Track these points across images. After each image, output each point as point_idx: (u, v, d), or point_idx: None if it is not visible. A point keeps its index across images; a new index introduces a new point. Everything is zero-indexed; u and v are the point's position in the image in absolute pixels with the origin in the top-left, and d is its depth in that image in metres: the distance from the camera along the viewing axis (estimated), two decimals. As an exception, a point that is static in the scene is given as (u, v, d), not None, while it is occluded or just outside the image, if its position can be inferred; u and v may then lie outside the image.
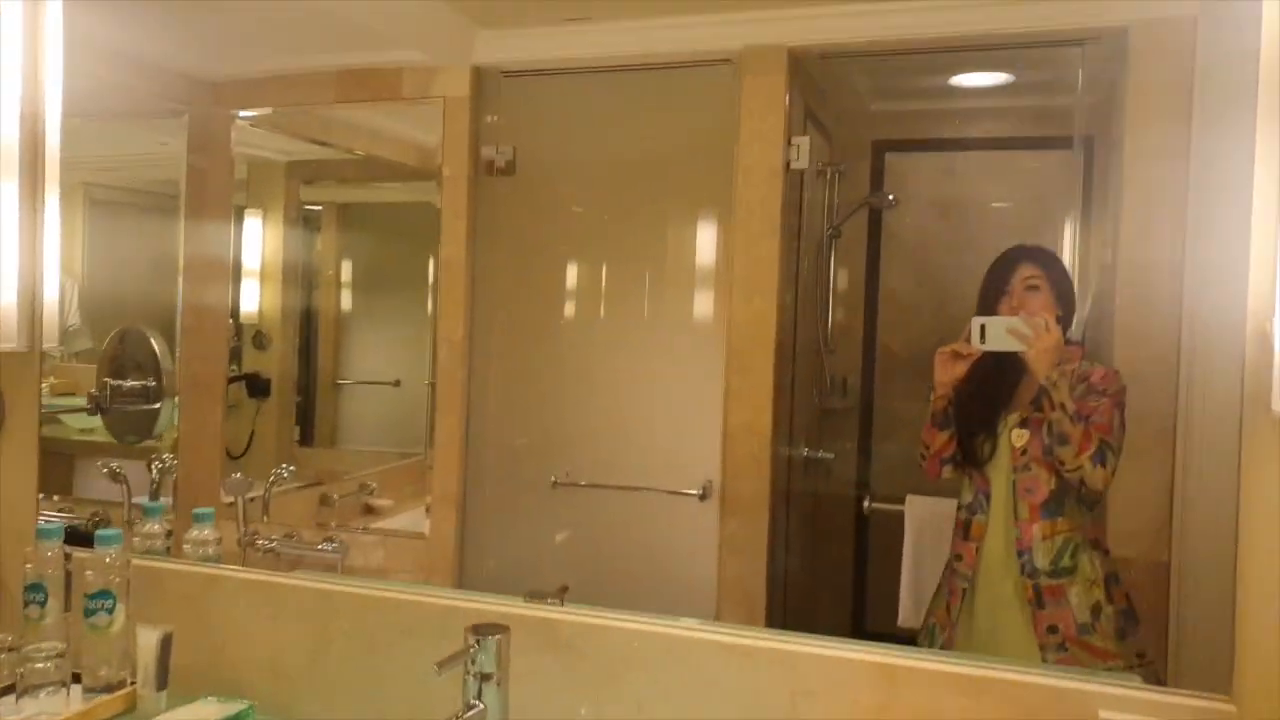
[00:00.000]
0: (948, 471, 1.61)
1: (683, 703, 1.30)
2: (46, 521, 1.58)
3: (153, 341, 2.16)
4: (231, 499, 2.12)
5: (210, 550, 1.68)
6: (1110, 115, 2.13)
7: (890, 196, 2.52)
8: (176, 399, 2.19)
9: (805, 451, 2.25)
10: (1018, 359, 1.54)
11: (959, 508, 1.61)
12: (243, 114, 2.35)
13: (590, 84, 2.19)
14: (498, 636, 1.21)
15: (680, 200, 2.16)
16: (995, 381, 1.57)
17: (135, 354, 2.15)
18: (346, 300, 2.54)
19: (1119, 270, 1.75)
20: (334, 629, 1.49)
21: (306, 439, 2.57)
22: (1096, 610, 1.50)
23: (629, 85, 2.17)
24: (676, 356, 2.15)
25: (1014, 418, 1.55)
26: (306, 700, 1.50)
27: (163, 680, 1.46)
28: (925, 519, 1.85)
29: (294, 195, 2.54)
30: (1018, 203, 2.65)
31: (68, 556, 1.48)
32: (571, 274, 2.28)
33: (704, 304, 2.13)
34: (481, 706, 1.20)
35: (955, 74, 2.37)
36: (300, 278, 2.53)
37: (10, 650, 1.46)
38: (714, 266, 2.10)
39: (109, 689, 1.46)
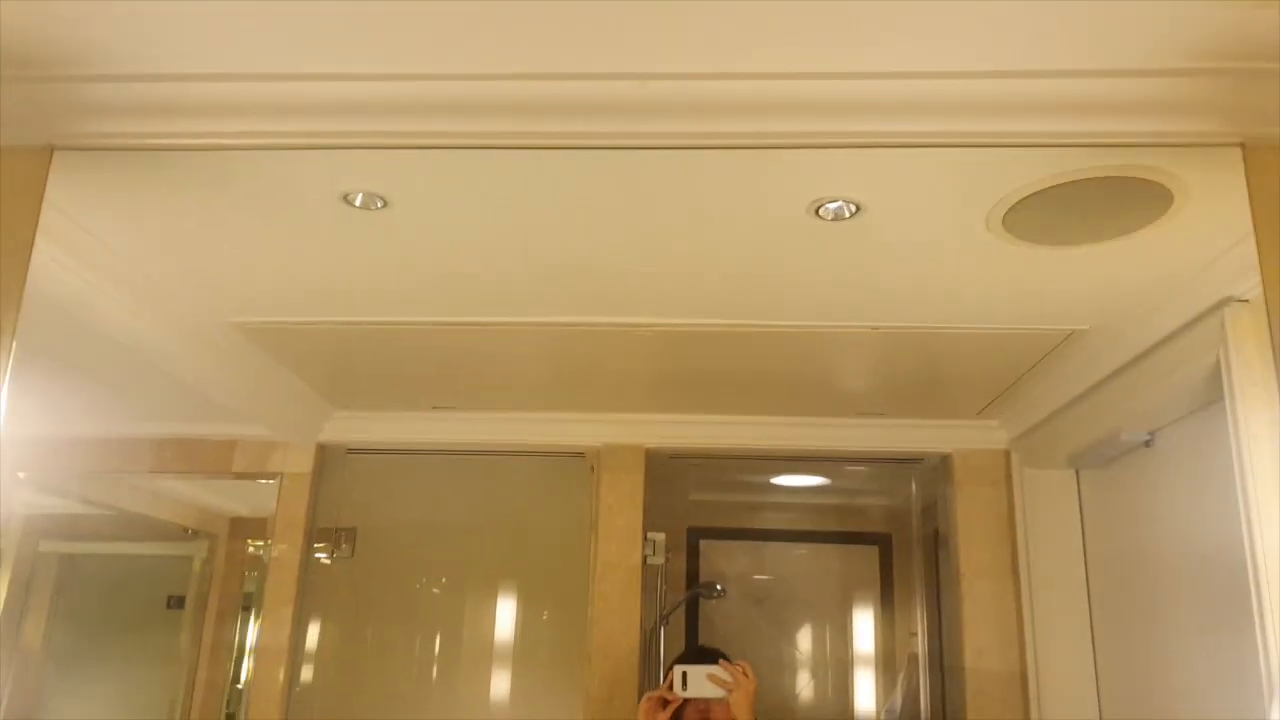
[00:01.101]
0: None
1: None
2: None
3: None
4: None
5: None
6: (906, 519, 2.39)
7: (719, 587, 2.60)
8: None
9: None
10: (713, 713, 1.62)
11: None
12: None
13: (436, 462, 2.16)
14: None
15: (531, 581, 2.11)
16: None
17: None
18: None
19: (967, 679, 1.86)
20: None
21: None
22: None
23: (477, 466, 2.16)
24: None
25: None
26: None
27: None
28: None
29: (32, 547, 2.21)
30: (822, 591, 2.82)
31: None
32: (407, 652, 2.10)
33: (556, 690, 2.01)
34: None
35: (776, 475, 2.59)
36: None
37: None
38: (567, 650, 2.02)
39: None
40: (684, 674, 1.58)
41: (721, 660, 1.63)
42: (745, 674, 1.57)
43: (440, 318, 1.48)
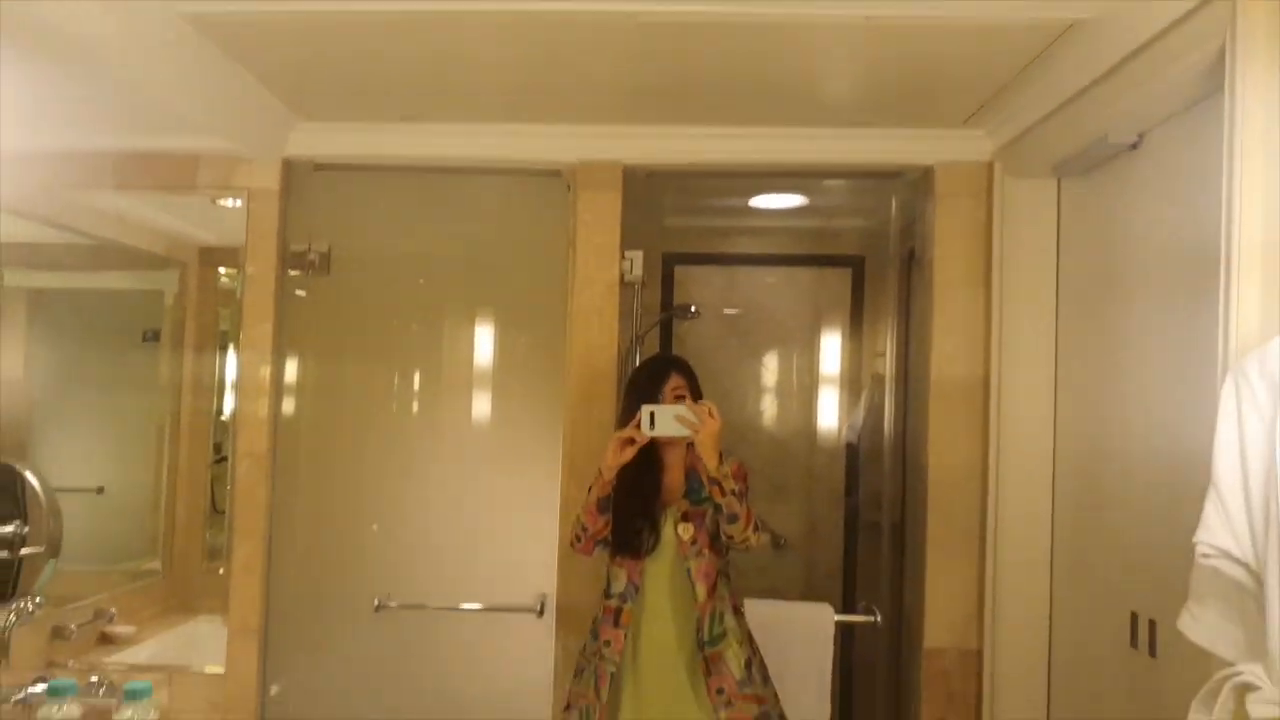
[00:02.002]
0: (598, 551, 1.71)
1: None
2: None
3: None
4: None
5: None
6: (883, 239, 2.40)
7: (693, 309, 2.64)
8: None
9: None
10: (667, 458, 1.71)
11: (607, 595, 1.70)
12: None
13: (408, 181, 2.11)
14: None
15: (508, 305, 2.11)
16: (651, 478, 1.70)
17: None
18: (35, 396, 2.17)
19: (932, 386, 1.94)
20: None
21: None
22: (748, 664, 1.67)
23: (451, 186, 2.11)
24: (506, 466, 2.08)
25: (673, 511, 1.68)
26: None
27: None
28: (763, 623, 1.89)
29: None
30: (794, 314, 2.89)
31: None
32: (388, 380, 2.14)
33: (535, 412, 2.08)
34: None
35: (753, 195, 2.56)
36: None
37: None
38: (546, 373, 2.07)
39: None
40: (651, 414, 1.60)
41: (686, 400, 1.65)
42: (711, 414, 1.59)
43: (405, 5, 1.39)
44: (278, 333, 2.03)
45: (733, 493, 1.60)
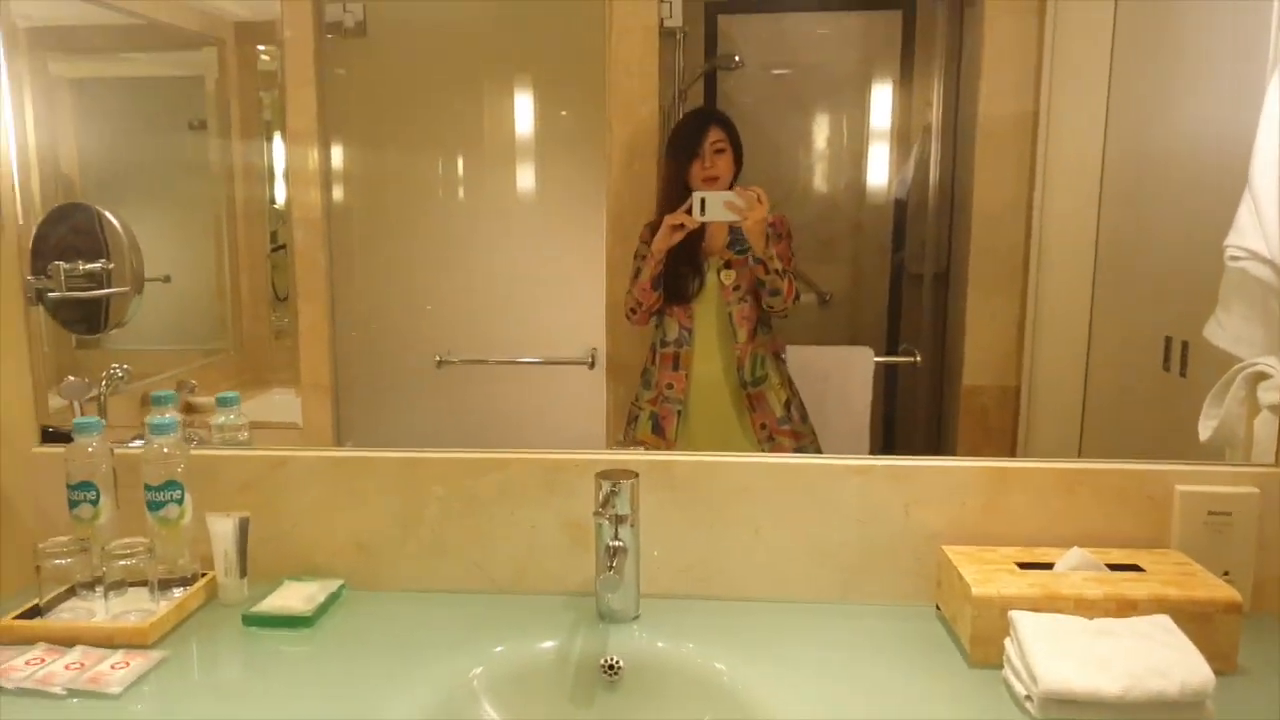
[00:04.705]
0: (653, 322, 1.84)
1: (796, 522, 1.51)
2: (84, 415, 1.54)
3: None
4: (67, 402, 1.89)
5: (243, 435, 1.60)
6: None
7: (736, 58, 2.56)
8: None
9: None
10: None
11: (663, 344, 1.83)
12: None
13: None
14: (631, 480, 1.28)
15: (548, 63, 2.08)
16: (695, 231, 1.78)
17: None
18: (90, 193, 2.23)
19: (980, 125, 1.89)
20: (425, 496, 1.59)
21: (81, 342, 2.31)
22: (788, 405, 1.82)
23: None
24: (555, 227, 2.12)
25: (716, 260, 1.77)
26: (402, 570, 1.59)
27: (243, 567, 1.44)
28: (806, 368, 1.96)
29: (41, 68, 2.18)
30: (842, 64, 2.77)
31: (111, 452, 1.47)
32: (436, 143, 2.15)
33: (578, 177, 2.09)
34: (624, 545, 1.26)
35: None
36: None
37: (82, 552, 1.42)
38: (588, 138, 2.06)
39: (186, 581, 1.48)
40: (702, 200, 1.68)
41: (736, 187, 1.67)
42: (760, 199, 1.64)
43: None
44: (320, 98, 2.03)
45: (777, 271, 1.67)
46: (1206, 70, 1.41)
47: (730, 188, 1.74)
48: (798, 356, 1.90)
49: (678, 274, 1.78)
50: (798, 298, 1.77)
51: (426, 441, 2.23)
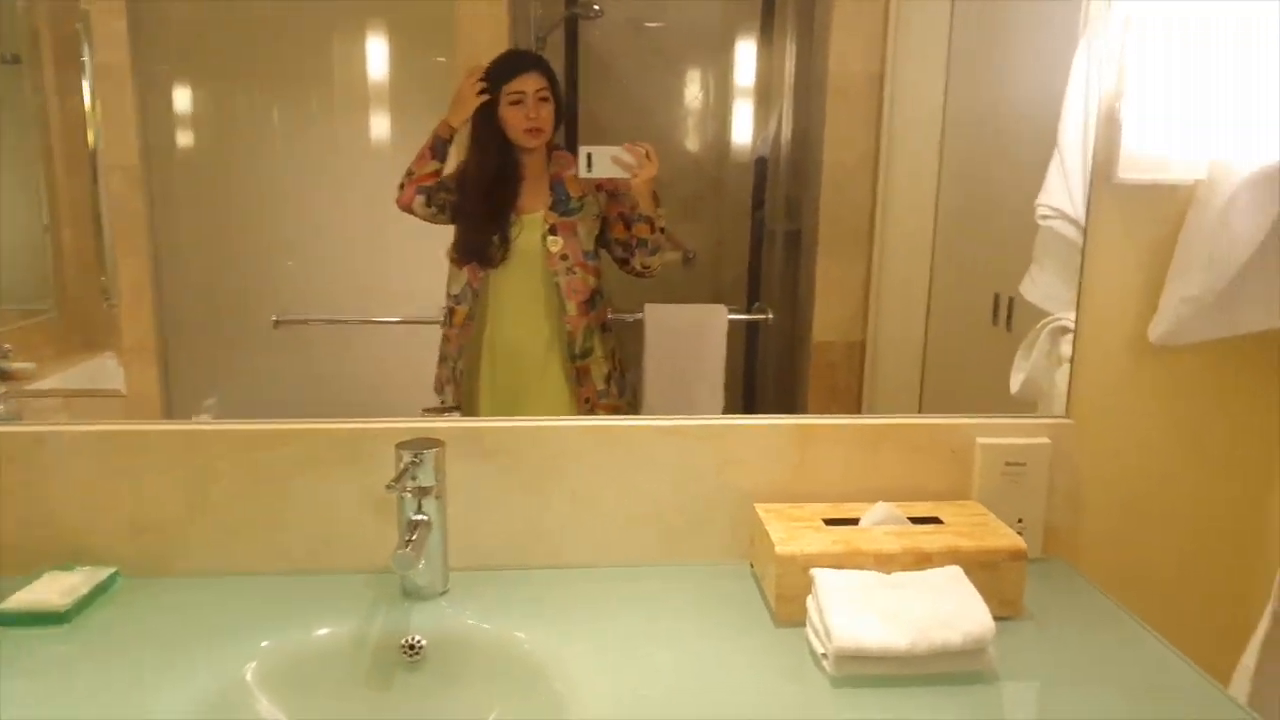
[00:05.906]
0: (418, 206, 1.70)
1: (614, 486, 1.50)
2: None
3: None
4: None
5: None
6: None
7: (596, 7, 2.50)
8: None
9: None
10: (527, 167, 1.68)
11: (447, 295, 1.72)
12: None
13: None
14: (435, 450, 1.22)
15: (401, 5, 1.98)
16: (507, 188, 1.67)
17: None
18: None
19: (829, 81, 1.91)
20: (212, 472, 1.46)
21: None
22: (608, 378, 1.78)
23: None
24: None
25: (536, 222, 1.64)
26: (192, 554, 1.47)
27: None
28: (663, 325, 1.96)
29: None
30: (707, 18, 2.75)
31: None
32: (277, 87, 2.03)
33: (436, 120, 2.01)
34: (427, 519, 1.20)
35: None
36: None
37: None
38: (443, 89, 1.97)
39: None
40: (589, 155, 1.59)
41: (625, 143, 1.60)
42: (649, 157, 1.57)
43: None
44: (133, 28, 1.88)
45: (661, 229, 1.62)
46: (1031, 37, 1.45)
47: (550, 144, 1.63)
48: (655, 315, 1.89)
49: (478, 232, 1.64)
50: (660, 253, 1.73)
51: (269, 407, 2.14)
